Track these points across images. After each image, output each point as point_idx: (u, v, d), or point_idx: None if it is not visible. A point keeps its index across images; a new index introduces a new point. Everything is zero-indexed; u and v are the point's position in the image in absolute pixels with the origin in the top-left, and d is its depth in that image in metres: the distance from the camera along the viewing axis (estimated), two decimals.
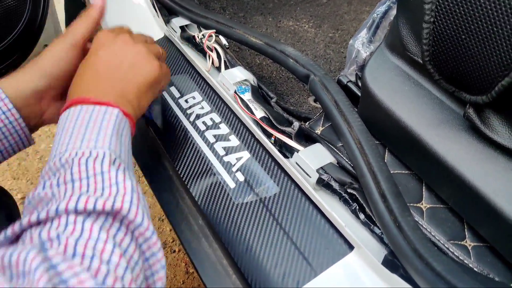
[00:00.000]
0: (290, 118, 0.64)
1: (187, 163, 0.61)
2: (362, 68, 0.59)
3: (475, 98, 0.40)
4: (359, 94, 0.59)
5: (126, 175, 0.40)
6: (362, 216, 0.50)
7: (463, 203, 0.46)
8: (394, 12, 0.62)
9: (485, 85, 0.38)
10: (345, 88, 0.61)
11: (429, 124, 0.47)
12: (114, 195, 0.37)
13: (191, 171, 0.60)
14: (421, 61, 0.45)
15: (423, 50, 0.42)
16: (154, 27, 0.88)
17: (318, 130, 0.61)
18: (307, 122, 0.63)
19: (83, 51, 0.53)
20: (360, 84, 0.58)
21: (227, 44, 0.79)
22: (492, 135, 0.41)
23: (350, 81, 0.60)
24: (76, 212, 0.35)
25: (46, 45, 0.96)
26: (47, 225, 0.34)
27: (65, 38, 0.53)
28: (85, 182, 0.38)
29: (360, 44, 0.58)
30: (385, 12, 0.60)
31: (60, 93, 0.54)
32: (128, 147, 0.46)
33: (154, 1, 0.87)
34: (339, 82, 0.60)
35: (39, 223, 0.35)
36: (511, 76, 0.35)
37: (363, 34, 0.59)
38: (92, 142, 0.41)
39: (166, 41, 0.83)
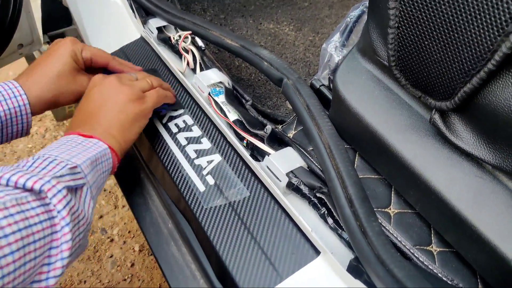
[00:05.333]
0: (265, 121, 0.64)
1: (158, 165, 0.60)
2: (334, 72, 0.59)
3: (440, 103, 0.40)
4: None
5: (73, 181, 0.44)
6: (330, 220, 0.50)
7: (429, 208, 0.46)
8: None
9: (448, 91, 0.38)
10: (317, 92, 0.61)
11: (397, 129, 0.47)
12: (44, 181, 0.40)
13: (162, 174, 0.60)
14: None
15: (389, 54, 0.42)
16: (131, 27, 0.87)
17: (291, 134, 0.60)
18: (281, 126, 0.63)
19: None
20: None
21: (203, 46, 0.78)
22: (456, 141, 0.41)
23: (323, 85, 0.60)
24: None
25: (21, 44, 0.94)
26: None
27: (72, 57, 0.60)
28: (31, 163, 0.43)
29: (333, 48, 0.58)
30: (359, 17, 0.60)
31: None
32: (100, 177, 0.50)
33: (131, 2, 0.86)
34: (312, 86, 0.60)
35: None
36: (472, 83, 0.35)
37: (336, 38, 0.59)
38: (68, 156, 0.46)
39: (142, 42, 0.82)
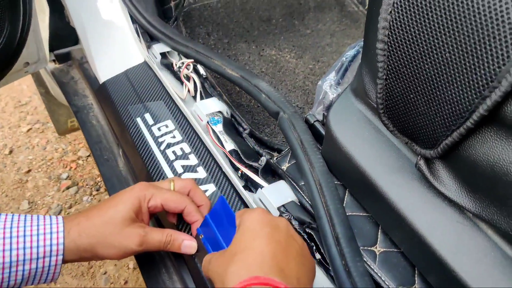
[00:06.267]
0: (261, 151, 0.66)
1: None
2: (328, 109, 0.61)
3: (425, 151, 0.42)
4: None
5: None
6: (318, 256, 0.51)
7: (412, 249, 0.47)
8: None
9: (432, 141, 0.40)
10: (312, 127, 0.62)
11: (385, 170, 0.49)
12: None
13: None
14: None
15: (378, 102, 0.44)
16: (135, 51, 0.89)
17: (285, 166, 0.62)
18: (275, 158, 0.65)
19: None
20: None
21: (204, 74, 0.81)
22: (440, 187, 0.43)
23: (317, 120, 0.62)
24: None
25: (27, 63, 0.97)
26: None
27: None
28: None
29: (328, 86, 0.60)
30: (354, 56, 0.62)
31: None
32: None
33: (137, 27, 0.88)
34: (307, 121, 0.62)
35: None
36: (453, 137, 0.37)
37: (331, 77, 0.61)
38: None
39: (145, 66, 0.85)
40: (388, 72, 0.40)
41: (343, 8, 1.32)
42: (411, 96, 0.39)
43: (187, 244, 0.53)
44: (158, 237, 0.51)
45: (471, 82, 0.32)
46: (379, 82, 0.42)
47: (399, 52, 0.38)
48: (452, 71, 0.33)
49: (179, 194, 0.53)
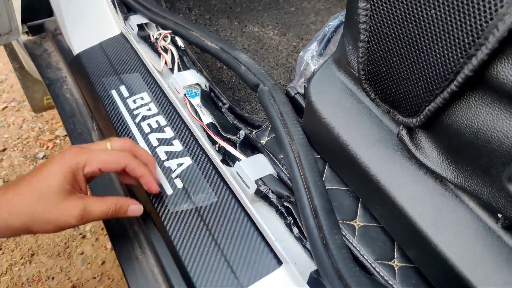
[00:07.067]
0: (241, 126, 0.64)
1: None
2: (309, 80, 0.59)
3: (407, 120, 0.40)
4: None
5: None
6: (296, 230, 0.50)
7: (392, 223, 0.46)
8: None
9: (414, 108, 0.38)
10: (292, 100, 0.60)
11: (366, 142, 0.47)
12: None
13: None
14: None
15: (359, 68, 0.42)
16: (111, 22, 0.85)
17: (264, 140, 0.60)
18: (255, 132, 0.62)
19: None
20: None
21: (183, 46, 0.77)
22: (422, 158, 0.42)
23: (298, 93, 0.60)
24: None
25: None
26: None
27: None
28: None
29: (310, 56, 0.57)
30: (337, 27, 0.60)
31: None
32: None
33: None
34: (287, 94, 0.60)
35: None
36: (436, 102, 0.35)
37: (313, 47, 0.59)
38: None
39: (122, 38, 0.81)
40: (370, 34, 0.38)
41: None
42: (394, 59, 0.37)
43: (134, 208, 0.50)
44: (101, 208, 0.47)
45: (456, 40, 0.30)
46: (361, 45, 0.40)
47: (382, 11, 0.36)
48: (437, 29, 0.31)
49: (117, 152, 0.50)
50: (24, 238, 1.16)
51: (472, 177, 0.38)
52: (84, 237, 1.17)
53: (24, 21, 1.00)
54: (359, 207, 0.51)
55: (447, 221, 0.41)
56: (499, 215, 0.38)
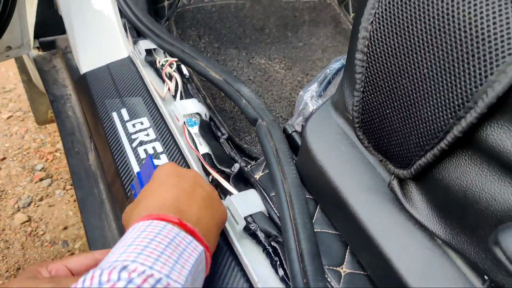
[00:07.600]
0: (237, 157, 0.64)
1: (119, 191, 0.59)
2: (306, 120, 0.59)
3: (398, 171, 0.40)
4: None
5: None
6: (281, 272, 0.49)
7: (379, 273, 0.45)
8: None
9: (405, 160, 0.38)
10: (289, 137, 0.61)
11: (358, 188, 0.47)
12: None
13: (124, 200, 0.58)
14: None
15: (353, 116, 0.42)
16: (120, 45, 0.87)
17: (258, 175, 0.60)
18: (250, 166, 0.62)
19: None
20: None
21: (187, 74, 0.79)
22: (412, 210, 0.41)
23: (295, 131, 0.60)
24: None
25: (9, 47, 0.94)
26: None
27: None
28: None
29: (309, 97, 0.58)
30: (339, 69, 0.60)
31: None
32: None
33: (125, 21, 0.86)
34: (285, 131, 0.60)
35: None
36: (427, 157, 0.35)
37: (313, 88, 0.59)
38: (165, 268, 0.34)
39: (129, 62, 0.82)
40: (366, 85, 0.38)
41: (338, 25, 1.32)
42: (387, 111, 0.37)
43: None
44: None
45: (447, 101, 0.31)
46: (356, 94, 0.40)
47: (377, 64, 0.36)
48: (429, 88, 0.32)
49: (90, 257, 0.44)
50: (12, 251, 1.15)
51: (459, 235, 0.37)
52: (72, 254, 1.16)
53: (36, 36, 1.02)
54: (347, 253, 0.50)
55: (434, 277, 0.40)
56: (485, 277, 0.37)
